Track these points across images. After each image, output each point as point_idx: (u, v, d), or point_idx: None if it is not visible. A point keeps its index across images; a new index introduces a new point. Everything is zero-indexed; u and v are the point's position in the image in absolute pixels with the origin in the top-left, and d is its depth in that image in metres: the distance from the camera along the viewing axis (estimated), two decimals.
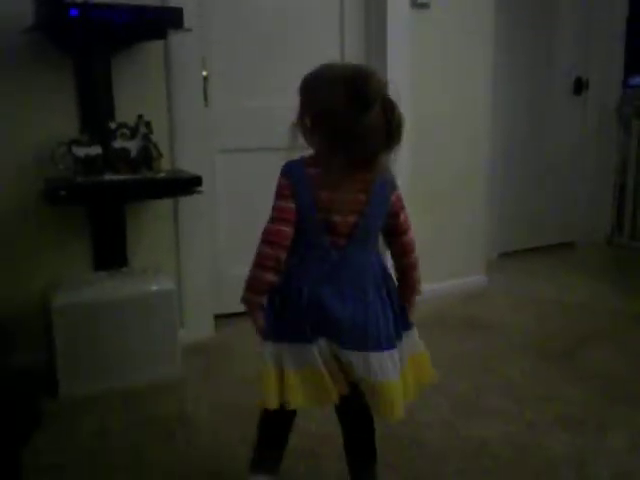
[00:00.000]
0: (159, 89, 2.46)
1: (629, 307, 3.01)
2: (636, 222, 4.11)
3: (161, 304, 2.27)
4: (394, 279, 1.45)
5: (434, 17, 2.98)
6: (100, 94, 2.29)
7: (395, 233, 1.45)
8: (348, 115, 1.27)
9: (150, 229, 2.51)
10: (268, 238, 1.33)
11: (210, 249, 2.70)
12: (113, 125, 2.21)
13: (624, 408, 2.04)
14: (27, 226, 2.31)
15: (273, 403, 1.35)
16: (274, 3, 2.78)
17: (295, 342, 1.34)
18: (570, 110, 4.09)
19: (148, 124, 2.24)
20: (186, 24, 2.21)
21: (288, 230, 1.33)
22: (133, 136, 2.21)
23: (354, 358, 1.34)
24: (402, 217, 1.44)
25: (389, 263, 1.48)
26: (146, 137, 2.23)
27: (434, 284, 3.18)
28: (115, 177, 2.16)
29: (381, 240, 1.45)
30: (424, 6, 2.94)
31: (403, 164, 2.92)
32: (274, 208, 1.35)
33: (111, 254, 2.40)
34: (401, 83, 2.91)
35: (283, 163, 1.37)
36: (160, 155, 2.27)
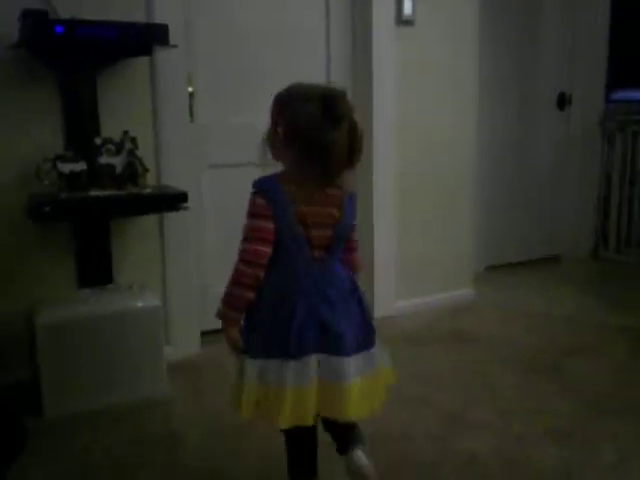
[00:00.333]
0: (145, 105, 2.46)
1: (615, 320, 3.02)
2: (621, 236, 4.14)
3: (147, 321, 2.25)
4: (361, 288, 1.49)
5: (419, 34, 3.01)
6: (85, 110, 2.29)
7: (349, 248, 1.49)
8: (321, 129, 1.32)
9: (136, 245, 2.50)
10: (246, 257, 1.35)
11: (196, 265, 2.69)
12: (98, 141, 2.20)
13: (611, 421, 2.04)
14: (11, 243, 2.29)
15: (249, 415, 1.37)
16: (260, 20, 2.80)
17: (280, 358, 1.34)
18: (554, 124, 4.13)
19: (134, 140, 2.23)
20: (172, 40, 2.22)
21: (267, 250, 1.35)
22: (118, 152, 2.21)
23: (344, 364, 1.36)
24: (356, 232, 1.51)
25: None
26: (132, 153, 2.22)
27: (422, 298, 3.20)
28: (100, 193, 2.15)
29: None
30: (409, 23, 2.97)
31: (389, 179, 2.95)
32: (251, 228, 1.36)
33: (96, 271, 2.38)
34: (387, 100, 2.94)
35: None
36: (146, 171, 2.27)
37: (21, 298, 2.28)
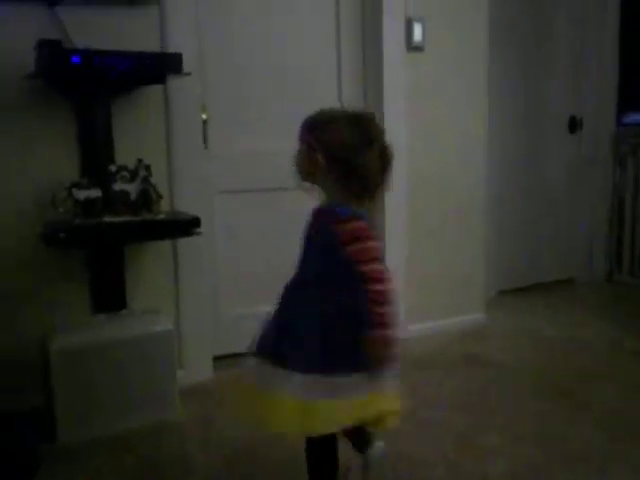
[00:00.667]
0: (159, 132, 2.49)
1: (629, 344, 3.00)
2: (635, 259, 4.12)
3: (160, 346, 2.26)
4: None
5: (429, 60, 3.04)
6: (100, 138, 2.32)
7: None
8: (359, 151, 1.37)
9: (149, 271, 2.52)
10: (387, 276, 1.39)
11: (209, 290, 2.70)
12: (113, 168, 2.23)
13: (626, 446, 2.02)
14: (26, 270, 2.32)
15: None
16: (273, 48, 2.84)
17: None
18: (566, 147, 4.13)
19: (148, 167, 2.26)
20: (185, 69, 2.25)
21: None
22: (133, 179, 2.23)
23: None
24: None
25: None
26: (146, 180, 2.25)
27: (433, 321, 3.19)
28: (115, 219, 2.18)
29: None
30: (419, 49, 3.00)
31: (401, 202, 2.96)
32: (375, 249, 1.39)
33: (110, 296, 2.40)
34: (397, 126, 2.96)
35: (340, 209, 1.40)
36: (159, 197, 2.28)
37: (35, 324, 2.30)
